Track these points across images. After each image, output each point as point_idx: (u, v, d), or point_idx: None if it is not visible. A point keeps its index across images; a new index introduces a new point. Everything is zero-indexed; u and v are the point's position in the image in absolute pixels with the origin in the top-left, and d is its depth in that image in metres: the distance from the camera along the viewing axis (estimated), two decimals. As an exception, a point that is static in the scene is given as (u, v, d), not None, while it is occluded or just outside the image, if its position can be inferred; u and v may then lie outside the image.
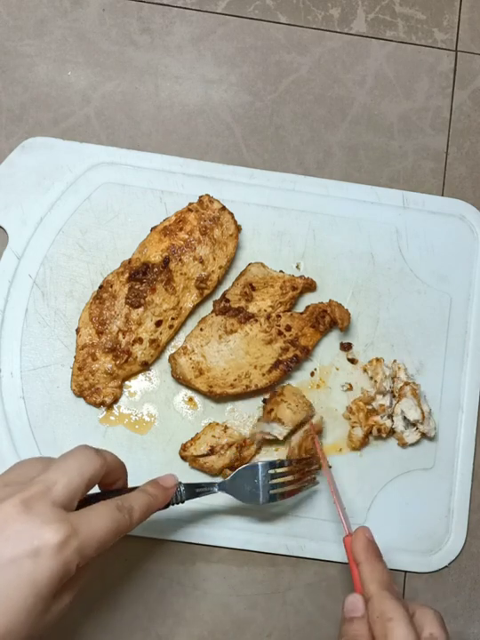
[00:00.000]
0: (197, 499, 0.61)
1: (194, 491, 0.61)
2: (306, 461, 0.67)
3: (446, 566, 0.72)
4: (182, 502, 0.60)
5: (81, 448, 0.51)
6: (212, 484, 0.62)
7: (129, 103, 0.77)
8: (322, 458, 0.67)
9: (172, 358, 0.70)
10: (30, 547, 0.43)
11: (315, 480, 0.67)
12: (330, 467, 0.69)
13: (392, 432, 0.72)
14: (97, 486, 0.53)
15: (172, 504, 0.59)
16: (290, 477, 0.64)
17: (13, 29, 0.77)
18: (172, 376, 0.70)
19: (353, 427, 0.71)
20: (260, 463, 0.64)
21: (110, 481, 0.54)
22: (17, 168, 0.74)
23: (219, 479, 0.68)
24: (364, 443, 0.71)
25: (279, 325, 0.71)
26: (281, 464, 0.65)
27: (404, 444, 0.72)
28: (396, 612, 0.50)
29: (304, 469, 0.66)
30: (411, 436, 0.71)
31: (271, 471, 0.64)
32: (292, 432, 0.69)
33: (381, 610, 0.51)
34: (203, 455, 0.68)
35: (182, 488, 0.59)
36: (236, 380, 0.69)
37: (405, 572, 0.71)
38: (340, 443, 0.72)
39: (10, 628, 0.42)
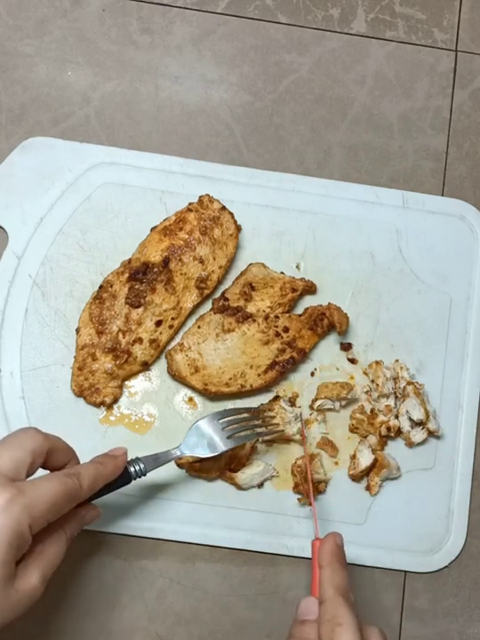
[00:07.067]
0: (196, 494, 0.60)
1: (154, 460, 0.61)
2: (254, 410, 0.68)
3: (446, 566, 0.72)
4: (144, 474, 0.60)
5: (22, 428, 0.54)
6: (170, 450, 0.63)
7: (129, 103, 0.77)
8: (310, 481, 0.67)
9: (168, 355, 0.70)
10: None
11: (272, 426, 0.68)
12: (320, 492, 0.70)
13: (399, 432, 0.71)
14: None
15: (134, 478, 0.60)
16: (242, 422, 0.66)
17: (13, 29, 0.77)
18: (168, 372, 0.70)
19: (366, 437, 0.71)
20: (208, 415, 0.65)
21: (59, 463, 0.56)
22: (17, 168, 0.74)
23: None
24: (383, 444, 0.71)
25: (277, 326, 0.71)
26: (228, 412, 0.66)
27: (411, 444, 0.71)
28: (347, 619, 0.50)
29: (256, 414, 0.68)
30: (417, 435, 0.71)
31: (221, 420, 0.65)
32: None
33: (333, 614, 0.50)
34: (198, 461, 0.67)
35: (141, 462, 0.60)
36: (231, 379, 0.69)
37: (405, 571, 0.71)
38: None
39: None
